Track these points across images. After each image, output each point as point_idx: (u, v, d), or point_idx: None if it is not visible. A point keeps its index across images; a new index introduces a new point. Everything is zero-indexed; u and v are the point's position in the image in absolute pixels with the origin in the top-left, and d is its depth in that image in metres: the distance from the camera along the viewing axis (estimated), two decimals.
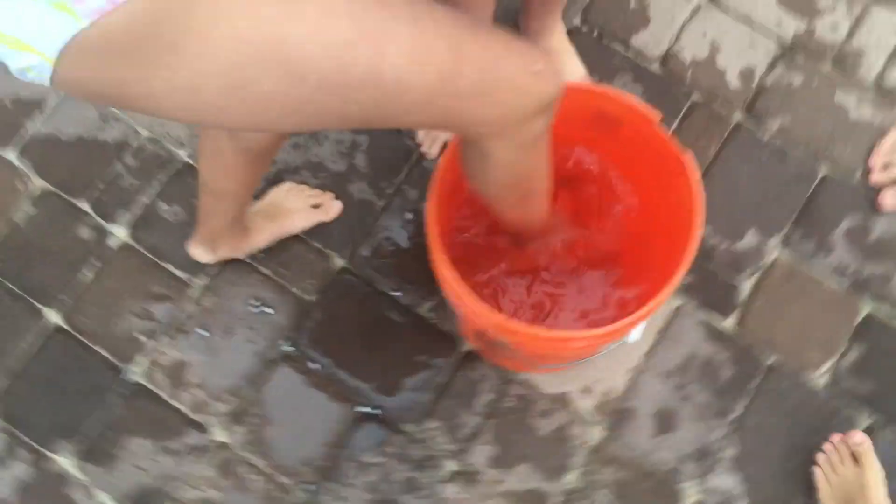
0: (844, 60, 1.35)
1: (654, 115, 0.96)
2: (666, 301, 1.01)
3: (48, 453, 1.20)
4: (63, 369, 1.23)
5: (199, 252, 1.23)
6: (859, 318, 1.25)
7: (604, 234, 1.13)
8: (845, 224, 1.28)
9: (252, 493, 1.19)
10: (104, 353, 1.24)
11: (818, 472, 1.15)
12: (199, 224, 1.18)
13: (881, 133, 1.31)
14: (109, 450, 1.20)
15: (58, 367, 1.23)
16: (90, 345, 1.24)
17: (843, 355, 1.23)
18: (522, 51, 0.69)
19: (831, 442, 1.15)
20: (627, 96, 0.97)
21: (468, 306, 0.91)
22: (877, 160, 1.29)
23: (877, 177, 1.28)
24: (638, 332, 1.08)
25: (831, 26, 1.36)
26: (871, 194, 1.29)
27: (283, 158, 1.31)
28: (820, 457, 1.15)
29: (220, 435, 1.21)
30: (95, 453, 1.20)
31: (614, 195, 1.13)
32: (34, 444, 1.21)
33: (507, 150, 0.74)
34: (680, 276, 0.90)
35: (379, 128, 0.68)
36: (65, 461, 1.20)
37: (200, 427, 1.21)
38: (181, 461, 1.20)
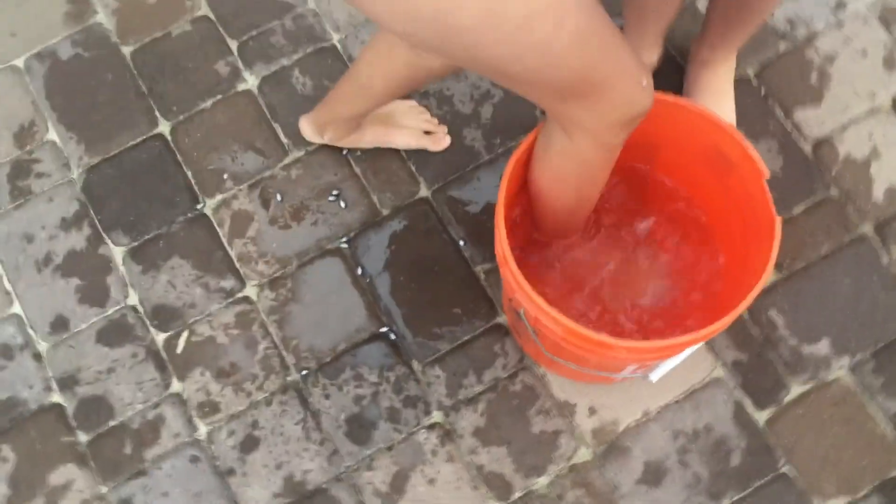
0: None
1: (766, 170, 0.93)
2: (693, 348, 0.99)
3: (105, 236, 1.29)
4: (150, 172, 1.32)
5: (308, 129, 1.28)
6: (895, 473, 1.17)
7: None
8: None
9: (254, 353, 1.23)
10: (189, 177, 1.31)
11: None
12: (323, 105, 1.23)
13: None
14: (156, 259, 1.28)
15: (146, 169, 1.32)
16: (182, 164, 1.32)
17: (861, 499, 1.16)
18: (638, 63, 0.79)
19: None
20: (747, 142, 0.94)
21: (505, 265, 0.91)
22: None
23: None
24: (658, 373, 1.06)
25: None
26: None
27: None
28: None
29: (251, 291, 1.26)
30: (144, 255, 1.28)
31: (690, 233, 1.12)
32: (97, 222, 1.29)
33: (588, 146, 0.84)
34: (709, 332, 0.88)
35: (517, 89, 0.78)
36: (116, 249, 1.28)
37: (239, 276, 1.27)
38: (209, 298, 1.26)
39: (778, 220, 0.91)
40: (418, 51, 0.97)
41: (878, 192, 1.28)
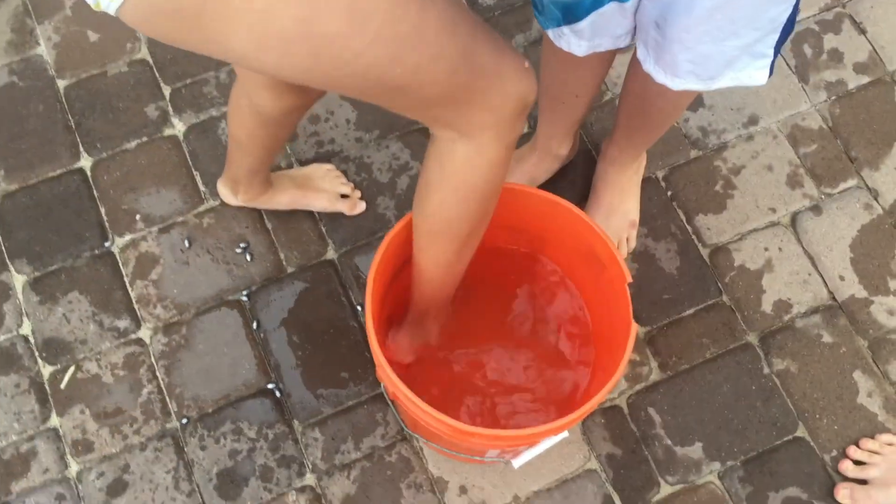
0: (882, 348, 1.29)
1: (628, 275, 0.96)
2: (553, 439, 1.01)
3: (9, 263, 1.30)
4: (65, 205, 1.34)
5: (224, 191, 1.30)
6: None
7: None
8: (792, 491, 1.22)
9: (138, 396, 1.24)
10: (102, 214, 1.34)
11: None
12: (226, 165, 1.26)
13: (874, 430, 1.24)
14: (56, 291, 1.29)
15: (61, 201, 1.34)
16: (97, 200, 1.34)
17: None
18: (513, 48, 0.79)
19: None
20: (616, 251, 0.98)
21: (372, 345, 0.93)
22: (855, 453, 1.22)
23: (847, 468, 1.21)
24: (521, 461, 1.07)
25: (889, 311, 1.31)
26: (832, 480, 1.22)
27: (342, 143, 1.38)
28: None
29: (145, 334, 1.27)
30: (44, 287, 1.29)
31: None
32: (2, 249, 1.31)
33: (494, 145, 0.80)
34: (545, 430, 0.90)
35: (409, 107, 0.78)
36: (17, 277, 1.30)
37: (135, 318, 1.28)
38: (101, 336, 1.27)
39: (634, 326, 0.94)
40: (259, 93, 0.99)
41: (767, 304, 1.32)
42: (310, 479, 1.21)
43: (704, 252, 1.34)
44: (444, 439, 1.00)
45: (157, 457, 1.21)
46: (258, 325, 1.28)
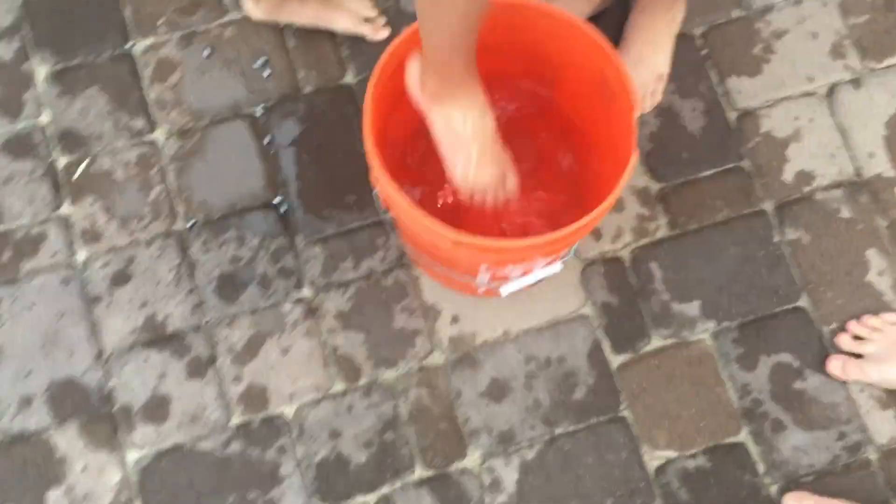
0: None
1: (638, 105, 0.93)
2: (546, 271, 1.01)
3: (33, 53, 1.31)
4: (91, 2, 1.33)
5: (247, 1, 1.28)
6: (730, 439, 1.19)
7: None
8: (784, 357, 1.21)
9: (147, 195, 1.26)
10: (127, 15, 1.33)
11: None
12: None
13: (879, 309, 1.22)
14: (75, 86, 1.30)
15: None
16: (120, 1, 1.33)
17: (688, 458, 1.18)
18: None
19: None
20: (627, 75, 0.94)
21: (369, 149, 0.92)
22: (855, 327, 1.20)
23: (844, 341, 1.20)
24: (509, 289, 1.08)
25: None
26: (826, 351, 1.21)
27: None
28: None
29: (159, 136, 1.28)
30: (65, 80, 1.30)
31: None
32: (29, 38, 1.31)
33: None
34: (526, 245, 0.88)
35: None
36: (40, 68, 1.30)
37: (150, 120, 1.29)
38: (116, 134, 1.28)
39: (634, 153, 0.92)
40: None
41: (789, 174, 1.28)
42: (306, 292, 1.23)
43: (732, 115, 1.30)
44: (440, 258, 1.00)
45: (162, 254, 1.24)
46: (271, 141, 1.28)
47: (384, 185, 0.91)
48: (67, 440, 1.18)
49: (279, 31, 1.32)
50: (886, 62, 1.32)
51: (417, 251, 1.05)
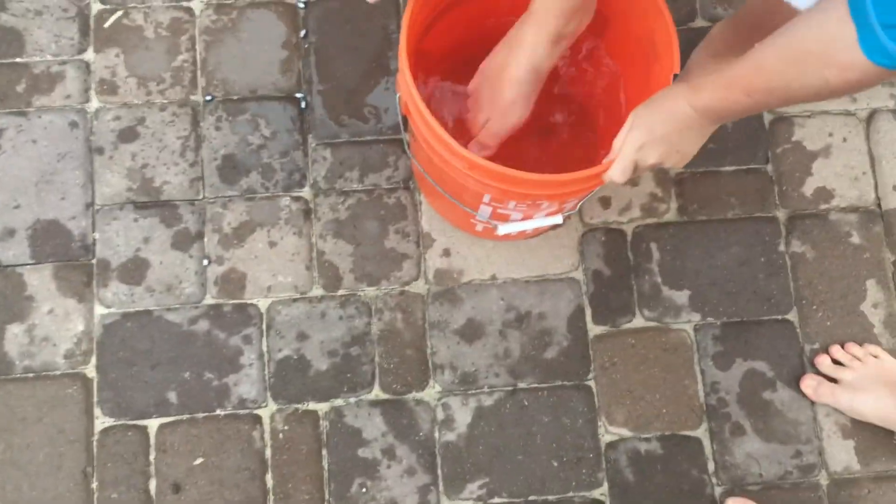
0: None
1: (678, 67, 0.91)
2: (548, 220, 0.99)
3: None
4: None
5: None
6: (687, 432, 1.18)
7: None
8: (760, 365, 1.20)
9: (172, 60, 1.24)
10: None
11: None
12: None
13: (865, 339, 1.21)
14: None
15: None
16: None
17: (642, 440, 1.18)
18: None
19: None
20: (675, 36, 0.92)
21: (401, 58, 0.90)
22: (837, 352, 1.19)
23: (823, 363, 1.19)
24: (506, 229, 1.06)
25: None
26: (803, 369, 1.20)
27: None
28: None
29: (196, 5, 1.27)
30: None
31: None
32: None
33: None
34: (532, 179, 0.87)
35: None
36: None
37: None
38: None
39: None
40: None
41: (809, 187, 1.26)
42: (307, 192, 1.22)
43: (768, 116, 1.28)
44: (447, 181, 0.99)
45: (173, 121, 1.23)
46: (306, 35, 1.27)
47: (407, 89, 0.89)
48: (40, 280, 1.17)
49: None
50: None
51: (428, 169, 1.03)
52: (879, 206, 1.26)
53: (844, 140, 1.27)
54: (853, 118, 1.28)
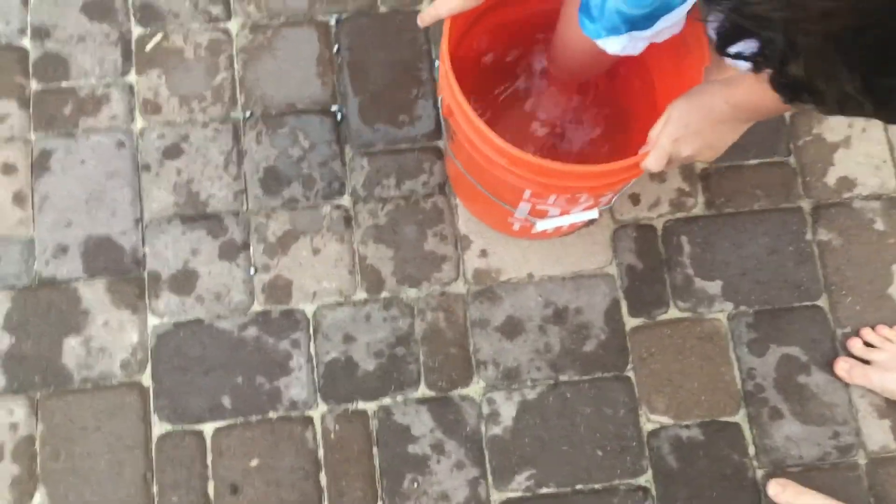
0: None
1: (709, 60, 0.96)
2: (585, 215, 1.03)
3: None
4: None
5: None
6: (727, 418, 1.21)
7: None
8: (794, 350, 1.23)
9: (212, 79, 1.29)
10: None
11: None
12: None
13: (894, 321, 1.24)
14: None
15: None
16: None
17: (683, 427, 1.21)
18: None
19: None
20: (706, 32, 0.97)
21: (444, 62, 0.95)
22: (868, 335, 1.22)
23: (855, 345, 1.22)
24: (543, 225, 1.10)
25: None
26: (836, 353, 1.23)
27: None
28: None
29: (233, 26, 1.32)
30: None
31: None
32: None
33: None
34: (572, 171, 0.91)
35: None
36: None
37: (228, 9, 1.32)
38: (193, 16, 1.32)
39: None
40: None
41: (832, 177, 1.30)
42: (346, 200, 1.27)
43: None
44: (487, 180, 1.03)
45: (216, 137, 1.28)
46: (338, 51, 1.32)
47: (450, 90, 0.94)
48: (94, 293, 1.22)
49: None
50: None
51: (468, 168, 1.07)
52: None
53: (864, 130, 1.32)
54: None
